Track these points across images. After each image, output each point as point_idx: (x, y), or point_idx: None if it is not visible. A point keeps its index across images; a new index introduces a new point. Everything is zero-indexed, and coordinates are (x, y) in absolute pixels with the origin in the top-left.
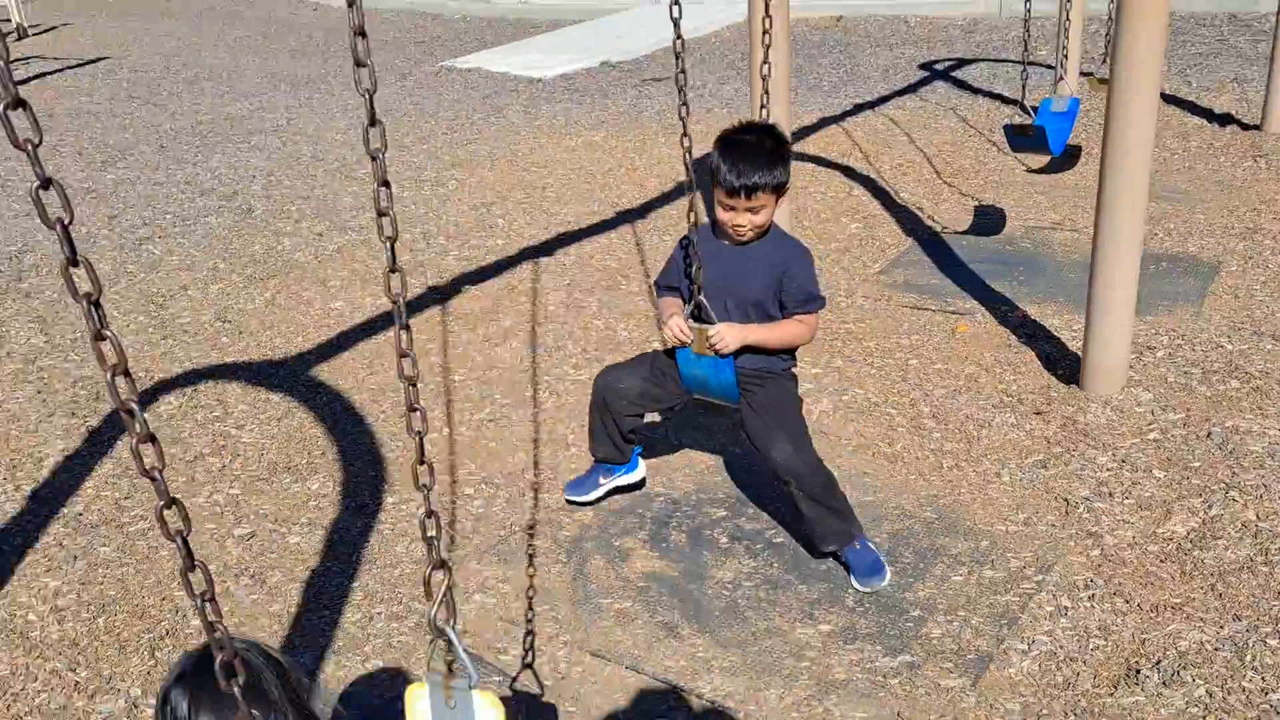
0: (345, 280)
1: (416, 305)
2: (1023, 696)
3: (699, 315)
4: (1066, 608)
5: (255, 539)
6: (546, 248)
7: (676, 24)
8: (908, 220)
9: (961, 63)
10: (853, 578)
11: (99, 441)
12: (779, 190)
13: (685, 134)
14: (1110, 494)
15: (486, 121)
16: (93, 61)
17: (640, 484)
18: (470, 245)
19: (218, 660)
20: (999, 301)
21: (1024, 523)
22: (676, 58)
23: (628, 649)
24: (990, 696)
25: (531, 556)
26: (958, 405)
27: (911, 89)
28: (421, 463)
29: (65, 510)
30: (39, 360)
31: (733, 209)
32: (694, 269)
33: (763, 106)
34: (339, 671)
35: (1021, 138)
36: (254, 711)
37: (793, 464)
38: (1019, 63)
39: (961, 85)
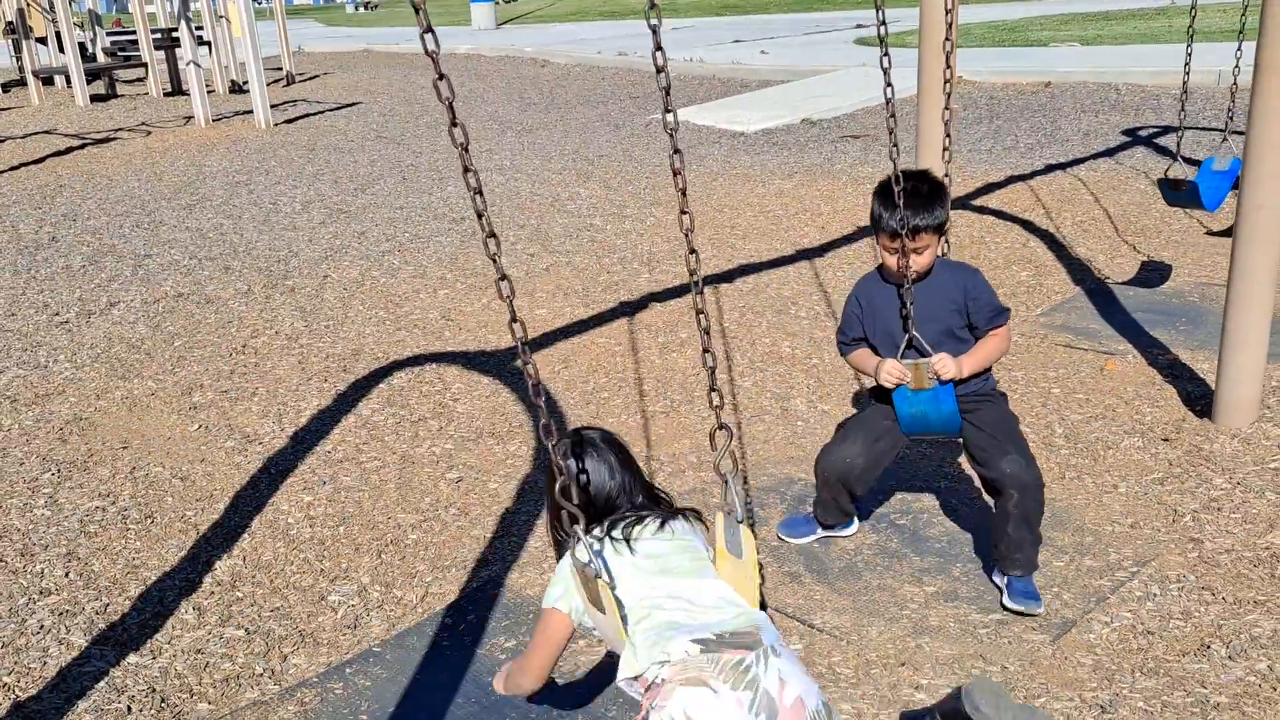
0: (549, 293)
1: (609, 316)
2: (1096, 655)
3: (915, 351)
4: (1155, 594)
5: (462, 483)
6: (727, 276)
7: (886, 73)
8: (1078, 271)
9: (1166, 130)
10: (1007, 596)
11: (344, 401)
12: (939, 230)
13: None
14: (1219, 509)
15: (688, 168)
16: (348, 106)
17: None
18: (660, 271)
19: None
20: (1153, 345)
21: (1130, 526)
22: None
23: None
24: (1067, 651)
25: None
26: (1090, 429)
27: (1109, 153)
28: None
29: (318, 448)
30: (300, 339)
31: (898, 251)
32: (904, 307)
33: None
34: (521, 579)
35: (1174, 192)
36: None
37: (1024, 476)
38: (1222, 130)
39: (1162, 151)
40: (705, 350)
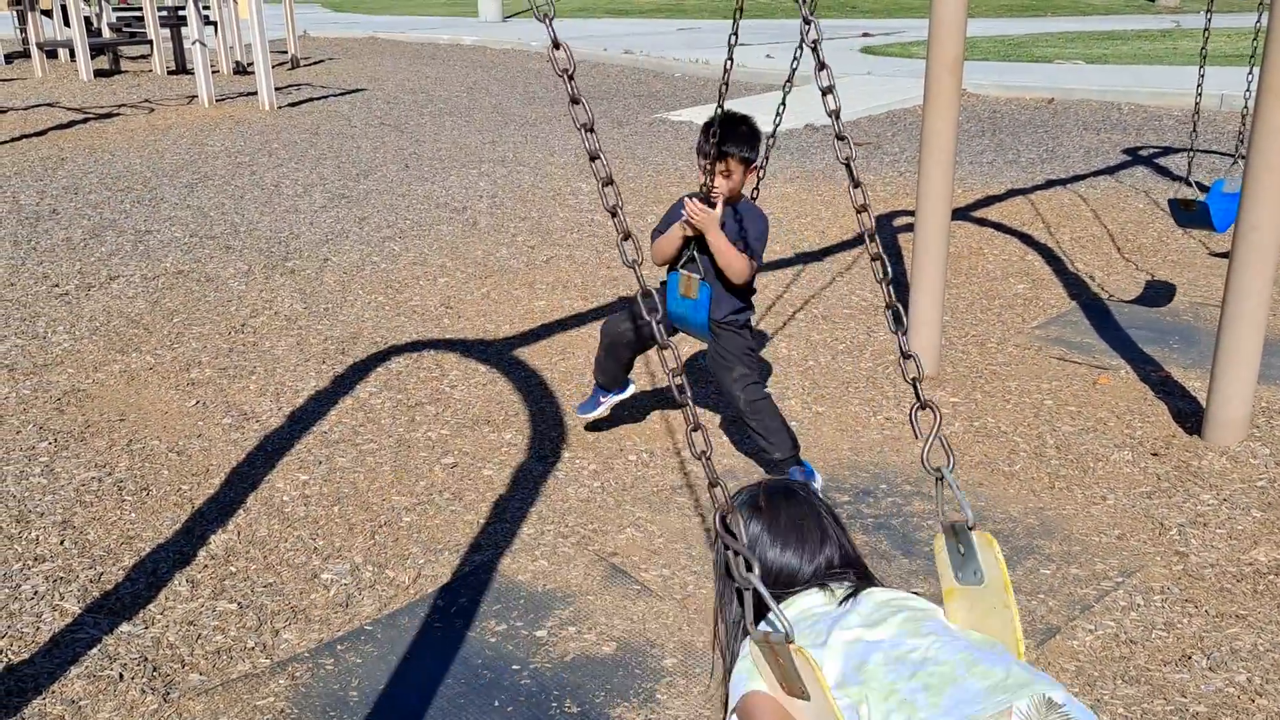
0: (550, 285)
1: (607, 310)
2: (1079, 662)
3: (690, 265)
4: (1139, 604)
5: (457, 468)
6: None
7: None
8: (1075, 286)
9: (1168, 150)
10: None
11: (342, 383)
12: (746, 163)
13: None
14: (1205, 524)
15: (690, 168)
16: (352, 92)
17: (630, 397)
18: (660, 268)
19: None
20: (1146, 362)
21: (1117, 537)
22: None
23: None
24: (1050, 657)
25: (677, 509)
26: (1081, 441)
27: (1109, 170)
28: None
29: (314, 429)
30: (299, 321)
31: (709, 173)
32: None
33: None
34: (513, 564)
35: (1185, 212)
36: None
37: (734, 391)
38: (1229, 154)
39: (1162, 171)
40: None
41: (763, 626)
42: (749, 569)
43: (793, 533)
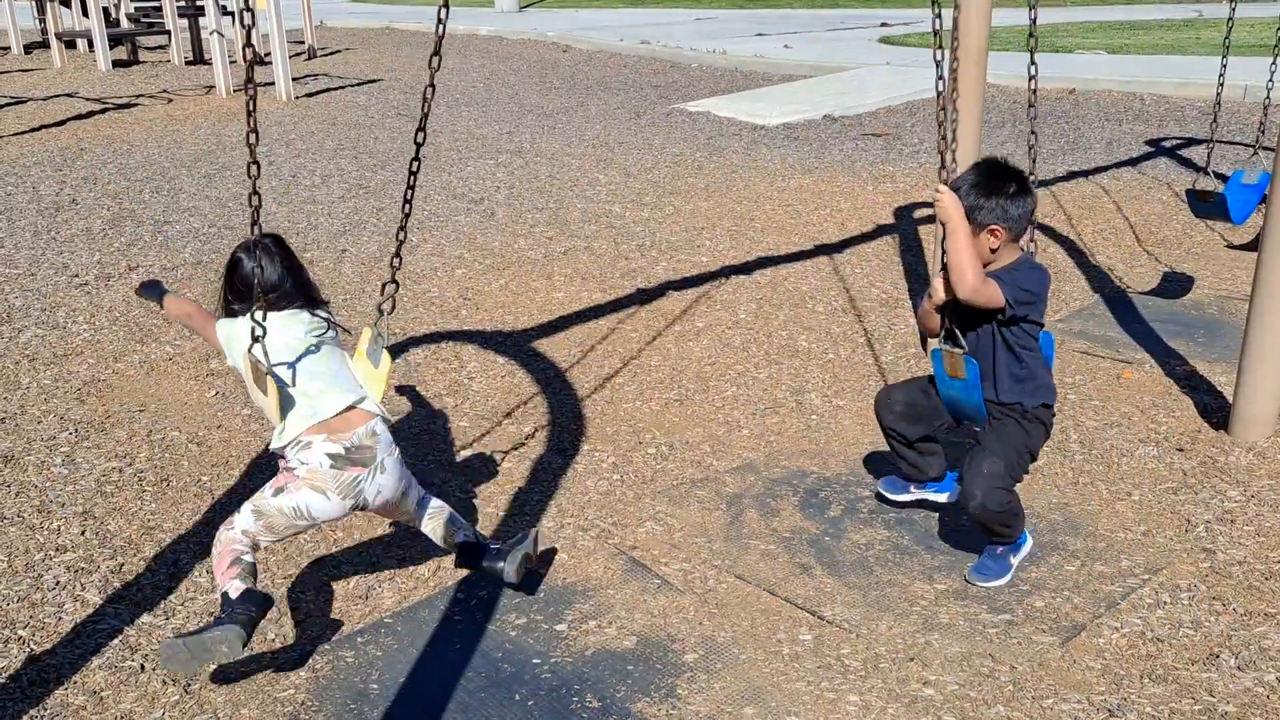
0: (568, 277)
1: (625, 302)
2: (1105, 660)
3: (952, 340)
4: (1165, 602)
5: (475, 460)
6: (745, 268)
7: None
8: (1097, 279)
9: (1190, 142)
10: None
11: None
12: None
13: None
14: (1233, 521)
15: (708, 159)
16: (369, 82)
17: (949, 504)
18: (678, 259)
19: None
20: (1170, 356)
21: (1143, 534)
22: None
23: (766, 577)
24: (1075, 655)
25: (697, 501)
26: (1106, 436)
27: (1131, 162)
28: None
29: None
30: None
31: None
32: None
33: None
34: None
35: (1202, 203)
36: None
37: (970, 488)
38: (1252, 145)
39: (1185, 163)
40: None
41: (257, 351)
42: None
43: (278, 271)
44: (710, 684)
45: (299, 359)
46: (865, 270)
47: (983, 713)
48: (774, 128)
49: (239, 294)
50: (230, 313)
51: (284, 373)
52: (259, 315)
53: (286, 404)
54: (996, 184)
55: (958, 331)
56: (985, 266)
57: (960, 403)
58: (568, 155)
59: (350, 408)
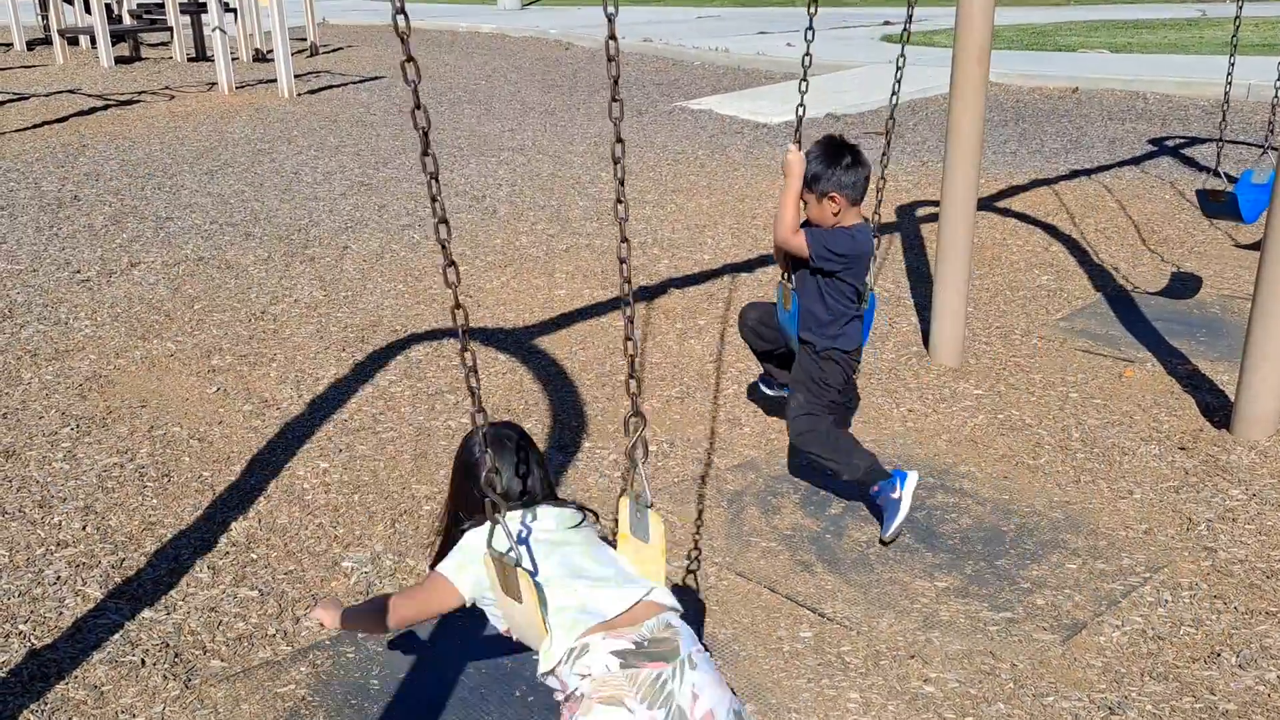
0: (569, 274)
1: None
2: (1106, 658)
3: (786, 277)
4: (1166, 600)
5: None
6: (747, 266)
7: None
8: (1100, 278)
9: (1193, 141)
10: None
11: (362, 371)
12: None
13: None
14: (1234, 519)
15: (710, 157)
16: (371, 79)
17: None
18: (679, 257)
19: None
20: (1172, 355)
21: (1144, 532)
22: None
23: (767, 574)
24: (1076, 653)
25: (698, 499)
26: (1107, 435)
27: (1134, 161)
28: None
29: (335, 417)
30: (318, 308)
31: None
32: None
33: None
34: None
35: (1213, 203)
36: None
37: (786, 418)
38: (1258, 145)
39: (1188, 162)
40: (627, 339)
41: (500, 542)
42: (497, 510)
43: (525, 464)
44: None
45: (555, 554)
46: None
47: (983, 710)
48: (776, 125)
49: (476, 503)
50: (455, 522)
51: (541, 572)
52: (499, 509)
53: (550, 611)
54: (835, 156)
55: (792, 272)
56: (827, 227)
57: (783, 327)
58: (569, 153)
59: (634, 605)
